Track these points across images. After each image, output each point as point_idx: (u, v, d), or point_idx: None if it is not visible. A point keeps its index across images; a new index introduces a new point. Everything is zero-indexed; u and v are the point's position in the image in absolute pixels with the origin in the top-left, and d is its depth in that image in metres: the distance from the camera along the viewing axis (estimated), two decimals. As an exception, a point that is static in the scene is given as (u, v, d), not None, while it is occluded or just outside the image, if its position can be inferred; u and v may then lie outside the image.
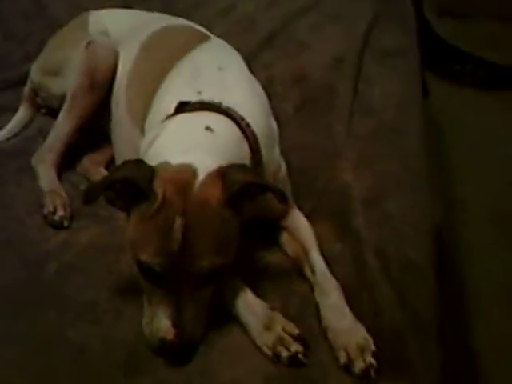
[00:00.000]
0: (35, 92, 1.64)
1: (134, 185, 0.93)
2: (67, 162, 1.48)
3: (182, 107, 1.10)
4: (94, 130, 1.50)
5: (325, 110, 1.50)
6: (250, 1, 1.89)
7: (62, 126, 1.44)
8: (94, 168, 1.46)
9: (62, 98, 1.48)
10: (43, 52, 1.64)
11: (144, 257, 0.92)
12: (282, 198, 0.98)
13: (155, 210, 0.91)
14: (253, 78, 1.31)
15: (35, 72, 1.62)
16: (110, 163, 1.50)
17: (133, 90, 1.37)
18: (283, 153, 1.32)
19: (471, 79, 2.85)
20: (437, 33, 2.90)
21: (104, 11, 1.65)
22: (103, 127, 1.48)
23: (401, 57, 1.68)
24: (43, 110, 1.66)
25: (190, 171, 0.95)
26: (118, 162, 1.41)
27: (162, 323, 0.92)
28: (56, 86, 1.53)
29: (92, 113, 1.45)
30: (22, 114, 1.64)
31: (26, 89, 1.66)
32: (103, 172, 1.45)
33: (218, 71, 1.22)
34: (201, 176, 0.94)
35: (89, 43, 1.46)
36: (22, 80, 1.71)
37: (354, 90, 1.54)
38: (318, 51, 1.68)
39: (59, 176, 1.43)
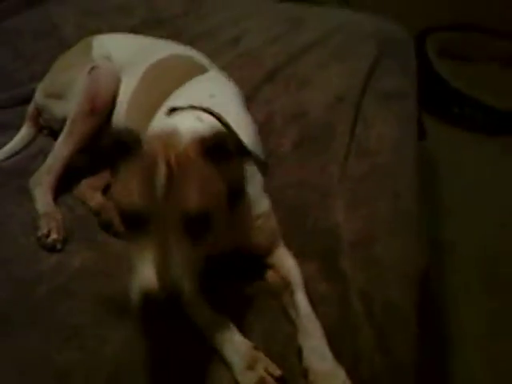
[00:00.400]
0: (39, 112, 1.67)
1: (122, 143, 0.97)
2: (65, 184, 1.50)
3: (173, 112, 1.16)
4: (93, 153, 1.53)
5: (322, 149, 1.53)
6: (255, 35, 1.92)
7: (61, 150, 1.48)
8: (90, 193, 1.49)
9: (64, 120, 1.52)
10: (48, 74, 1.68)
11: (128, 202, 0.93)
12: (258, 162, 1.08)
13: (140, 161, 0.95)
14: (243, 107, 1.35)
15: (39, 93, 1.66)
16: (107, 188, 1.52)
17: (131, 117, 1.41)
18: (277, 189, 1.36)
19: (469, 123, 2.88)
20: (438, 73, 2.94)
21: (108, 36, 1.69)
22: (102, 151, 1.51)
23: (400, 99, 1.70)
24: (45, 131, 1.70)
25: (173, 130, 1.00)
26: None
27: (145, 269, 0.89)
28: (58, 108, 1.57)
29: (91, 137, 1.49)
30: (24, 132, 1.67)
31: (30, 108, 1.70)
32: (100, 197, 1.48)
33: (209, 98, 1.24)
34: (183, 133, 0.98)
35: (92, 68, 1.50)
36: (27, 99, 1.75)
37: (352, 131, 1.56)
38: (319, 89, 1.70)
39: (56, 198, 1.47)
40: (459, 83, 2.92)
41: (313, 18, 2.05)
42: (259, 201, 1.22)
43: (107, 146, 1.01)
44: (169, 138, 0.97)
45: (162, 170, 0.92)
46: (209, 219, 0.95)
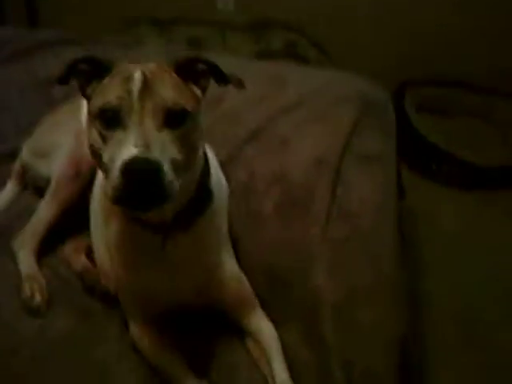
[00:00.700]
0: (24, 169, 1.68)
1: (97, 62, 1.07)
2: (48, 243, 1.51)
3: None
4: (77, 214, 1.54)
5: (303, 212, 1.55)
6: (237, 95, 1.96)
7: (45, 212, 1.49)
8: (74, 254, 1.50)
9: (49, 179, 1.54)
10: (35, 132, 1.69)
11: (105, 101, 0.99)
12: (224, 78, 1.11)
13: (114, 73, 1.04)
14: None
15: (26, 151, 1.67)
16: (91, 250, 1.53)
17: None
18: (258, 251, 1.41)
19: (447, 178, 2.96)
20: (416, 129, 3.02)
21: None
22: (85, 213, 1.52)
23: (380, 162, 1.74)
24: (30, 188, 1.70)
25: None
26: (95, 249, 1.45)
27: (127, 148, 0.92)
28: (44, 167, 1.58)
29: (75, 200, 1.50)
30: (9, 190, 1.68)
31: (16, 165, 1.71)
32: (84, 260, 1.49)
33: None
34: None
35: (79, 132, 1.51)
36: (12, 154, 1.77)
37: (333, 194, 1.59)
38: (299, 150, 1.73)
39: (39, 259, 1.47)
40: (437, 138, 3.00)
41: (294, 78, 2.10)
42: (222, 239, 1.29)
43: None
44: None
45: (137, 76, 1.00)
46: (185, 115, 1.01)
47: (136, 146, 0.91)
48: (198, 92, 1.11)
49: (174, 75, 1.07)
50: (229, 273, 1.29)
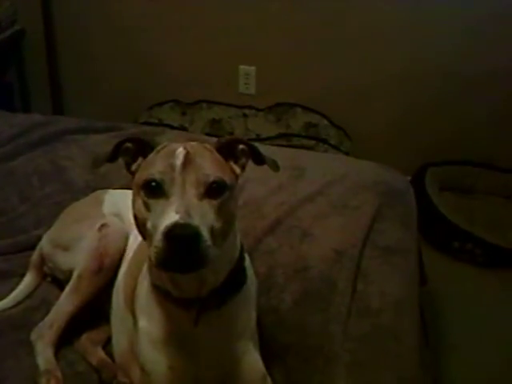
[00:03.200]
0: (43, 260, 1.73)
1: (142, 142, 1.20)
2: (66, 337, 1.54)
3: None
4: (96, 307, 1.59)
5: (322, 307, 1.58)
6: (257, 184, 2.04)
7: (65, 305, 1.53)
8: (91, 347, 1.53)
9: (69, 272, 1.58)
10: (56, 224, 1.75)
11: (149, 173, 1.09)
12: (265, 161, 1.24)
13: (158, 150, 1.15)
14: None
15: (46, 242, 1.72)
16: (108, 342, 1.57)
17: (128, 277, 1.47)
18: (278, 351, 1.42)
19: (469, 257, 3.01)
20: (438, 209, 3.08)
21: (120, 192, 1.77)
22: (104, 306, 1.57)
23: (401, 254, 1.78)
24: (49, 279, 1.74)
25: None
26: (114, 343, 1.50)
27: (169, 215, 1.00)
28: (64, 260, 1.63)
29: (97, 294, 1.55)
30: (27, 281, 1.72)
31: (35, 256, 1.76)
32: (101, 353, 1.52)
33: None
34: None
35: (102, 226, 1.58)
36: (32, 245, 1.82)
37: (353, 289, 1.62)
38: (319, 242, 1.78)
39: (57, 352, 1.50)
40: (459, 218, 3.05)
41: (313, 167, 2.18)
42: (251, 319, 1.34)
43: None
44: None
45: (180, 151, 1.10)
46: (224, 187, 1.09)
47: (177, 213, 0.99)
48: (237, 169, 1.22)
49: (215, 152, 1.17)
50: (254, 370, 1.31)
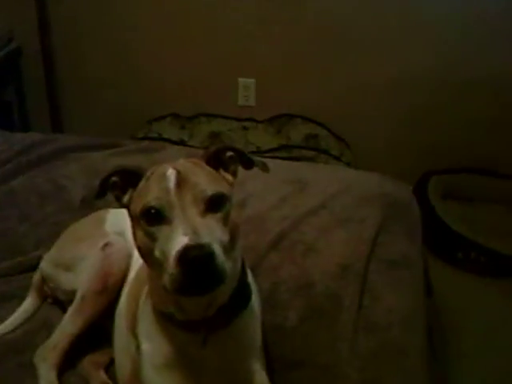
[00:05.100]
0: (44, 280, 1.71)
1: (128, 172, 1.18)
2: (68, 359, 1.52)
3: None
4: (99, 328, 1.57)
5: (328, 324, 1.56)
6: (260, 198, 2.03)
7: (69, 326, 1.51)
8: (94, 370, 1.51)
9: (71, 292, 1.56)
10: (57, 243, 1.73)
11: (145, 202, 1.06)
12: (258, 165, 1.24)
13: (148, 176, 1.13)
14: None
15: (47, 262, 1.70)
16: (110, 364, 1.55)
17: (130, 298, 1.45)
18: (283, 369, 1.40)
19: (473, 266, 2.99)
20: (441, 218, 3.06)
21: (122, 211, 1.72)
22: (107, 328, 1.55)
23: (406, 268, 1.76)
24: (49, 300, 1.72)
25: None
26: (117, 366, 1.47)
27: (178, 239, 0.98)
28: (66, 280, 1.61)
29: (101, 315, 1.53)
30: (28, 304, 1.70)
31: (36, 277, 1.73)
32: (103, 376, 1.50)
33: None
34: None
35: (105, 245, 1.56)
36: (32, 266, 1.80)
37: (359, 304, 1.60)
38: (323, 257, 1.76)
39: (59, 375, 1.48)
40: (462, 227, 3.04)
41: (316, 179, 2.17)
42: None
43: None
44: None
45: (170, 173, 1.08)
46: (223, 198, 1.08)
47: (186, 235, 0.97)
48: (229, 177, 1.21)
49: (205, 165, 1.16)
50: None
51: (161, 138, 3.41)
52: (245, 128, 3.58)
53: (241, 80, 3.61)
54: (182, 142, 3.38)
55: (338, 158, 3.30)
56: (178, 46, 3.63)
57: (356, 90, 3.45)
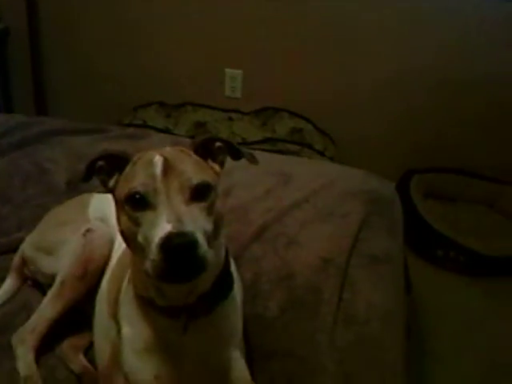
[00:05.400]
0: (24, 263, 1.70)
1: (114, 157, 1.17)
2: (47, 342, 1.51)
3: None
4: (78, 312, 1.56)
5: (309, 315, 1.57)
6: (245, 188, 2.03)
7: (48, 309, 1.50)
8: (73, 353, 1.51)
9: (51, 276, 1.56)
10: (39, 226, 1.72)
11: (131, 187, 1.06)
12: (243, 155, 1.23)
13: (134, 161, 1.13)
14: None
15: (28, 245, 1.69)
16: (89, 348, 1.54)
17: (111, 284, 1.45)
18: (263, 359, 1.42)
19: (453, 265, 3.04)
20: (422, 216, 3.10)
21: (106, 196, 1.68)
22: (87, 312, 1.54)
23: (387, 263, 1.78)
24: (29, 282, 1.71)
25: None
26: (96, 350, 1.47)
27: (161, 226, 0.98)
28: (47, 264, 1.61)
29: (80, 300, 1.52)
30: (8, 285, 1.69)
31: (16, 259, 1.72)
32: (82, 359, 1.50)
33: None
34: None
35: (87, 230, 1.55)
36: (13, 248, 1.79)
37: (339, 297, 1.62)
38: (306, 249, 1.77)
39: (37, 358, 1.48)
40: (443, 226, 3.08)
41: (300, 173, 2.18)
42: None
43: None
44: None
45: (157, 159, 1.08)
46: (209, 188, 1.08)
47: (169, 222, 0.98)
48: (217, 167, 1.21)
49: (193, 154, 1.16)
50: (241, 379, 1.29)
51: (146, 126, 3.40)
52: (230, 119, 3.57)
53: (228, 71, 3.60)
54: (167, 131, 3.37)
55: (321, 153, 3.31)
56: (167, 34, 3.62)
57: (343, 85, 3.46)
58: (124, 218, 1.08)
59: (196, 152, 1.18)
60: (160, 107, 3.63)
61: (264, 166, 2.10)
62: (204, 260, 0.99)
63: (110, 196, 1.61)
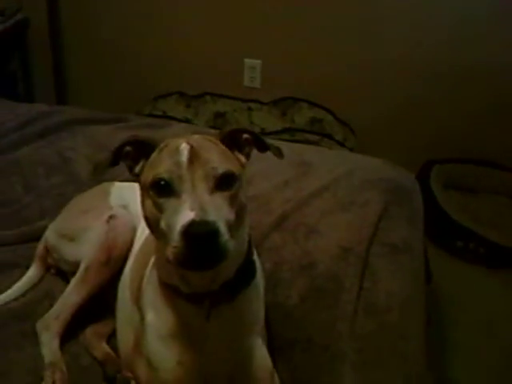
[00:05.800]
0: (48, 251, 1.73)
1: (141, 143, 1.18)
2: (70, 329, 1.54)
3: None
4: (101, 300, 1.58)
5: (329, 304, 1.57)
6: (264, 178, 2.03)
7: (72, 296, 1.53)
8: (96, 341, 1.53)
9: (75, 263, 1.58)
10: (62, 214, 1.75)
11: (156, 172, 1.07)
12: (271, 149, 1.24)
13: (161, 148, 1.14)
14: None
15: (51, 233, 1.72)
16: (112, 336, 1.57)
17: (134, 270, 1.47)
18: (285, 346, 1.42)
19: (473, 257, 3.02)
20: (442, 207, 3.08)
21: (127, 184, 1.74)
22: (109, 299, 1.57)
23: (407, 253, 1.77)
24: (53, 271, 1.74)
25: None
26: (119, 337, 1.49)
27: (184, 213, 0.99)
28: (70, 251, 1.63)
29: (104, 286, 1.54)
30: (31, 273, 1.72)
31: (40, 246, 1.75)
32: (105, 347, 1.52)
33: None
34: None
35: (110, 217, 1.58)
36: (37, 236, 1.81)
37: (360, 286, 1.62)
38: (326, 238, 1.77)
39: (61, 345, 1.50)
40: (463, 217, 3.06)
41: (320, 162, 2.17)
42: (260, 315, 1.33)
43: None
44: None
45: (184, 147, 1.09)
46: (233, 178, 1.09)
47: (192, 210, 0.99)
48: (242, 158, 1.22)
49: (219, 143, 1.17)
50: (263, 366, 1.31)
51: (166, 116, 3.41)
52: (250, 109, 3.58)
53: (247, 61, 3.60)
54: (187, 121, 3.38)
55: (341, 144, 3.30)
56: (186, 25, 3.63)
57: (363, 76, 3.44)
58: (148, 204, 1.10)
59: (223, 142, 1.18)
60: (180, 97, 3.64)
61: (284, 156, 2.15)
62: (225, 249, 1.00)
63: (130, 185, 1.66)
